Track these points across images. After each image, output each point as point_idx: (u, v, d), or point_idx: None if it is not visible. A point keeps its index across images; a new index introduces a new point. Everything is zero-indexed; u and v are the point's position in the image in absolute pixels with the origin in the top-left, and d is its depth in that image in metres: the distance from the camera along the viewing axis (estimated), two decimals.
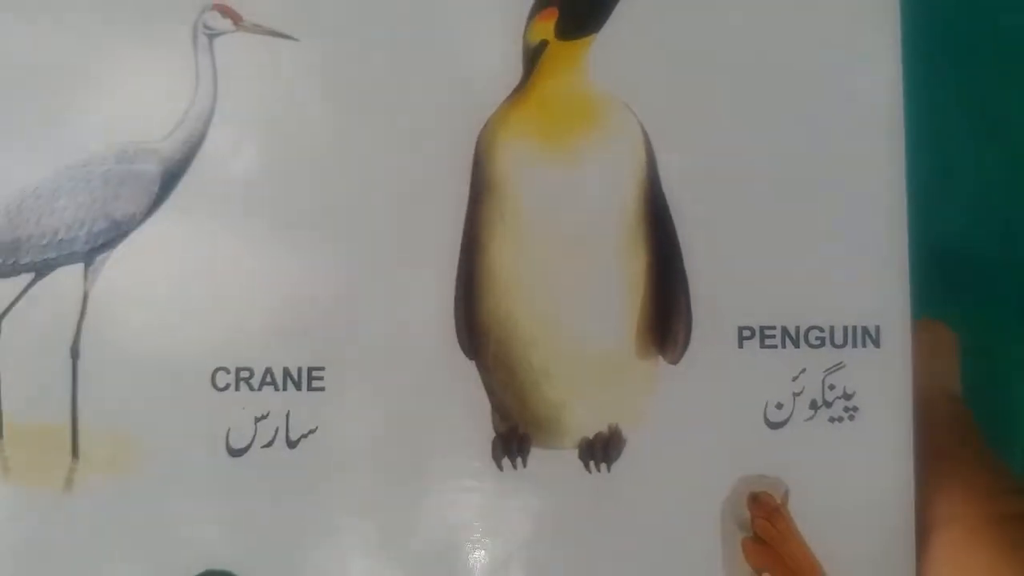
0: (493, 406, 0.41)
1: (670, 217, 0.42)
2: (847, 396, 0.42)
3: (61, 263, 0.41)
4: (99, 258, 0.41)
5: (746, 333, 0.42)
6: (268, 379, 0.41)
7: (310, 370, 0.41)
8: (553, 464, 0.41)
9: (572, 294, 0.41)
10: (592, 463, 0.41)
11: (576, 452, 0.41)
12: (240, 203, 0.41)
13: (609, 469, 0.41)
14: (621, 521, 0.41)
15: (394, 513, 0.41)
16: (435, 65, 0.42)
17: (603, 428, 0.41)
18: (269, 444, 0.41)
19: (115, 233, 0.41)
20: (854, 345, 0.42)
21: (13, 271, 0.41)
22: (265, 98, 0.42)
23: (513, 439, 0.41)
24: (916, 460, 0.41)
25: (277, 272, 0.41)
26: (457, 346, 0.41)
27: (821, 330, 0.42)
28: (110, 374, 0.41)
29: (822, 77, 0.42)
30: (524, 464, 0.41)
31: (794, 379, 0.42)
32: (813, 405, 0.41)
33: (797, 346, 0.42)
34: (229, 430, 0.41)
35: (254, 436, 0.41)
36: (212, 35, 0.41)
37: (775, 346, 0.42)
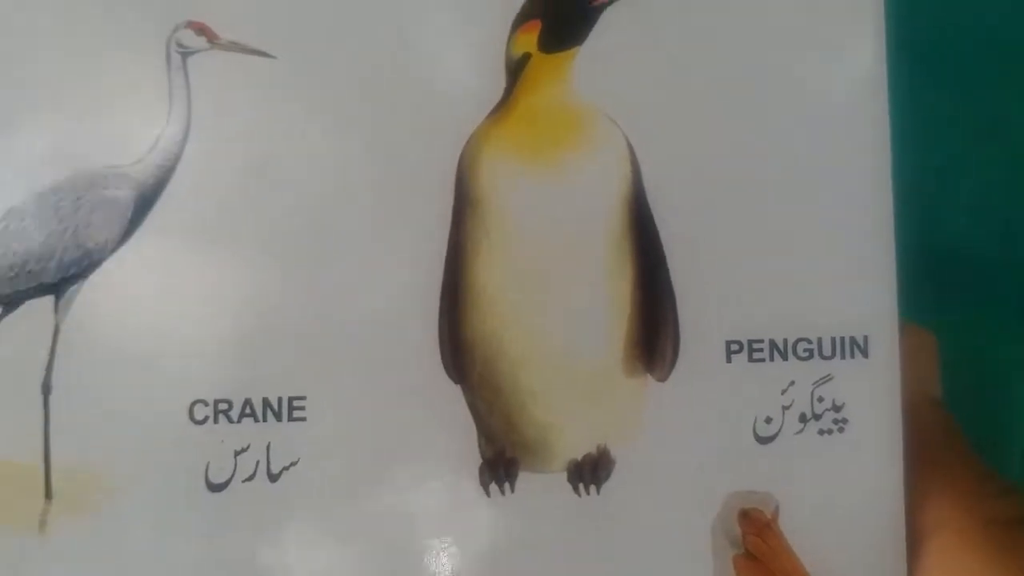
0: (479, 429, 0.40)
1: (656, 231, 0.41)
2: (836, 408, 0.41)
3: (31, 295, 0.40)
4: (70, 289, 0.40)
5: (734, 347, 0.41)
6: (247, 410, 0.39)
7: (291, 400, 0.39)
8: (542, 488, 0.40)
9: (558, 312, 0.40)
10: (581, 486, 0.40)
11: (565, 475, 0.40)
12: (216, 228, 0.40)
13: (599, 491, 0.40)
14: (612, 543, 0.40)
15: (380, 544, 0.40)
16: (416, 80, 0.40)
17: (592, 449, 0.40)
18: (250, 478, 0.39)
19: (87, 262, 0.40)
20: (842, 356, 0.41)
21: None
22: (242, 118, 0.40)
23: (500, 464, 0.40)
24: (907, 469, 0.41)
25: (255, 298, 0.40)
26: (442, 370, 0.40)
27: (809, 342, 0.41)
28: (84, 410, 0.39)
29: (806, 91, 0.41)
30: (512, 489, 0.40)
31: (783, 392, 0.41)
32: (802, 418, 0.41)
33: (785, 359, 0.41)
34: (208, 464, 0.39)
35: (234, 470, 0.39)
36: (186, 54, 0.40)
37: (763, 359, 0.41)
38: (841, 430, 0.41)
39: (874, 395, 0.41)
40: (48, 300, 0.40)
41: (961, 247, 0.55)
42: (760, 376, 0.41)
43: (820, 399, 0.41)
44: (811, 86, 0.41)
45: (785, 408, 0.41)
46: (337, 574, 0.40)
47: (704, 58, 0.41)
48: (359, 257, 0.40)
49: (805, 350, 0.41)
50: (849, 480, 0.41)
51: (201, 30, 0.40)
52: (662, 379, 0.41)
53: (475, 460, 0.40)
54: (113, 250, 0.40)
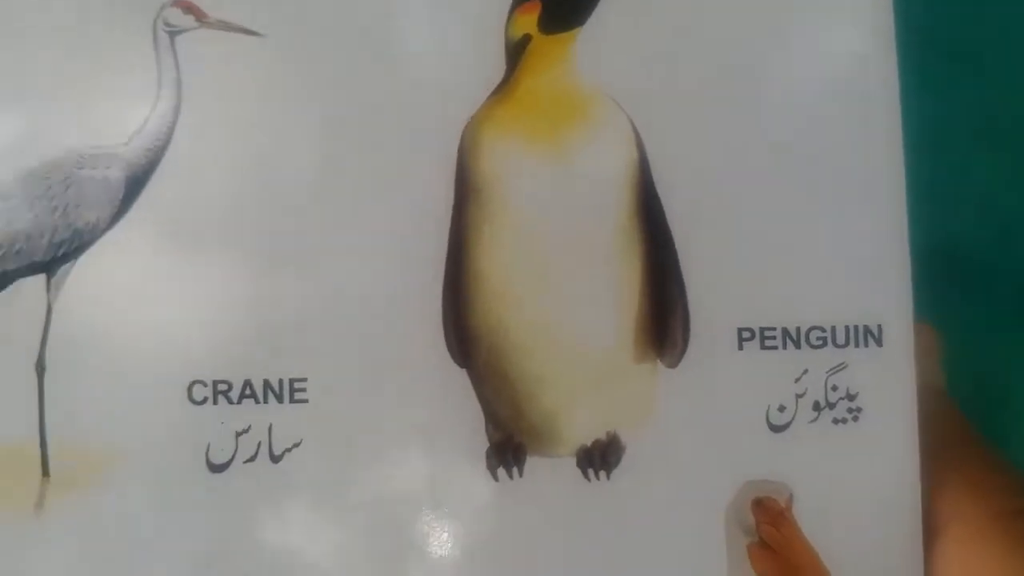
0: (486, 415, 0.39)
1: (664, 216, 0.39)
2: (850, 397, 0.40)
3: (22, 274, 0.38)
4: (62, 268, 0.38)
5: (746, 334, 0.40)
6: (248, 392, 0.38)
7: (292, 381, 0.38)
8: (550, 473, 0.39)
9: (565, 297, 0.39)
10: (591, 471, 0.39)
11: (574, 460, 0.39)
12: (211, 208, 0.39)
13: (608, 477, 0.39)
14: (622, 530, 0.39)
15: (384, 527, 0.38)
16: (413, 61, 0.39)
17: (601, 435, 0.39)
18: (251, 459, 0.38)
19: (78, 242, 0.38)
20: (856, 345, 0.40)
21: None
22: (234, 98, 0.39)
23: (508, 448, 0.39)
24: (922, 459, 0.40)
25: (254, 279, 0.38)
26: (447, 354, 0.39)
27: (822, 330, 0.40)
28: (79, 389, 0.38)
29: (818, 69, 0.41)
30: (520, 474, 0.39)
31: (796, 380, 0.40)
32: (816, 407, 0.40)
33: (798, 347, 0.40)
34: (209, 445, 0.38)
35: (235, 451, 0.38)
36: (174, 33, 0.39)
37: (776, 347, 0.40)
38: (856, 419, 0.40)
39: (889, 384, 0.40)
40: (40, 279, 0.38)
41: (961, 247, 0.55)
42: (773, 364, 0.40)
43: (834, 388, 0.40)
44: (821, 68, 0.40)
45: (798, 396, 0.40)
46: (340, 556, 0.38)
47: (711, 40, 0.40)
48: (361, 239, 0.39)
49: (818, 338, 0.40)
50: (864, 470, 0.40)
51: (188, 8, 0.39)
52: (672, 365, 0.39)
53: (482, 444, 0.39)
54: (105, 230, 0.39)
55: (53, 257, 0.38)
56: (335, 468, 0.38)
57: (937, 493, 0.40)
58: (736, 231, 0.40)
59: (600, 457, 0.39)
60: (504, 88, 0.39)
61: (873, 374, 0.40)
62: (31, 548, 0.37)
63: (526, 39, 0.39)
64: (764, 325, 0.40)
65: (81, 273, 0.38)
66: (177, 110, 0.39)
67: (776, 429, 0.39)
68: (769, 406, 0.40)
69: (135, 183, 0.39)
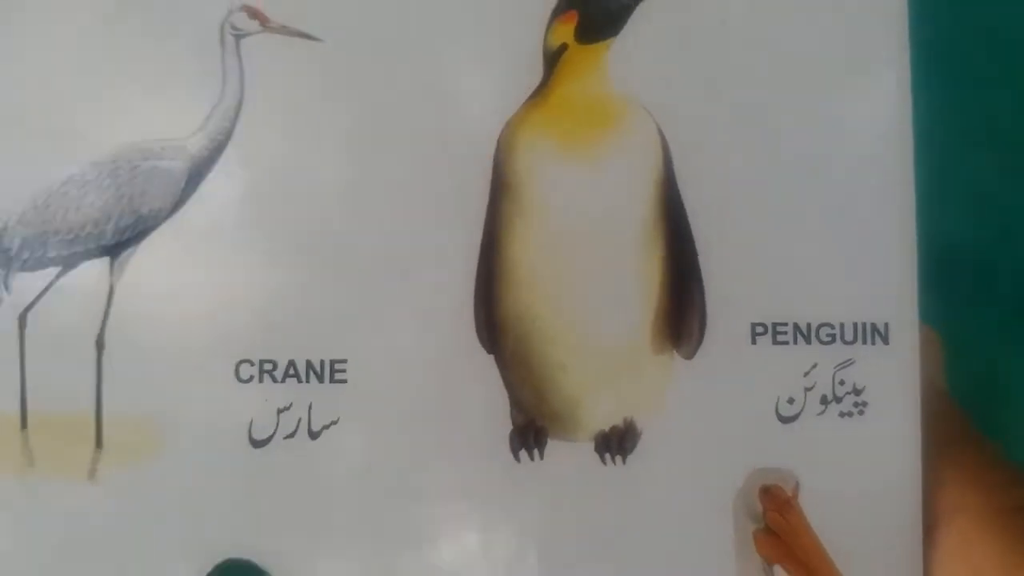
0: (511, 399, 0.40)
1: (686, 216, 0.41)
2: (857, 391, 0.41)
3: (88, 257, 0.41)
4: (125, 252, 0.40)
5: (759, 329, 0.41)
6: (291, 371, 0.40)
7: (332, 363, 0.40)
8: (569, 456, 0.41)
9: (589, 291, 0.41)
10: (608, 455, 0.40)
11: (592, 445, 0.41)
12: (264, 199, 0.41)
13: (624, 461, 0.40)
14: (635, 512, 0.40)
15: (413, 503, 0.40)
16: (457, 67, 0.41)
17: (619, 421, 0.41)
18: (291, 435, 0.40)
19: (141, 228, 0.41)
20: (864, 342, 0.41)
21: (40, 264, 0.41)
22: (291, 98, 0.41)
23: (530, 431, 0.40)
24: (924, 453, 0.41)
25: (301, 267, 0.40)
26: (477, 341, 0.40)
27: (832, 327, 0.41)
28: (134, 366, 0.40)
29: (836, 82, 0.41)
30: (541, 456, 0.40)
31: (805, 374, 0.41)
32: (824, 400, 0.41)
33: (808, 342, 0.41)
34: (252, 421, 0.40)
35: (276, 427, 0.40)
36: (239, 35, 0.41)
37: (787, 342, 0.41)
38: (861, 413, 0.41)
39: (894, 380, 0.41)
40: (104, 262, 0.41)
41: (961, 247, 0.55)
42: (783, 358, 0.41)
43: (841, 382, 0.41)
44: (840, 77, 0.42)
45: (807, 390, 0.41)
46: (369, 530, 0.40)
47: (735, 51, 0.41)
48: (401, 232, 0.41)
49: (828, 335, 0.41)
50: (868, 462, 0.41)
51: (253, 13, 0.41)
52: (689, 357, 0.41)
53: (506, 427, 0.40)
54: (167, 217, 0.41)
55: (118, 242, 0.41)
56: (369, 445, 0.40)
57: (938, 488, 0.41)
58: (753, 232, 0.41)
59: (617, 442, 0.41)
60: (540, 93, 0.41)
61: (879, 370, 0.41)
62: (83, 514, 0.40)
63: (563, 48, 0.41)
64: (777, 321, 0.41)
65: (142, 257, 0.41)
66: (239, 108, 0.41)
67: (785, 420, 0.41)
68: (779, 398, 0.41)
69: (196, 175, 0.41)
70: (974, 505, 0.40)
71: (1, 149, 0.41)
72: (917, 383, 0.41)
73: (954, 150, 0.55)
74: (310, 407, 0.40)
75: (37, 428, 0.40)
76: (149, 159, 0.41)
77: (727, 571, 0.41)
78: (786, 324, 0.41)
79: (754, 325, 0.41)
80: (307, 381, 0.40)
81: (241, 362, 0.40)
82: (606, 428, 0.41)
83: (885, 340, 0.41)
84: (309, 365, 0.40)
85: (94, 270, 0.41)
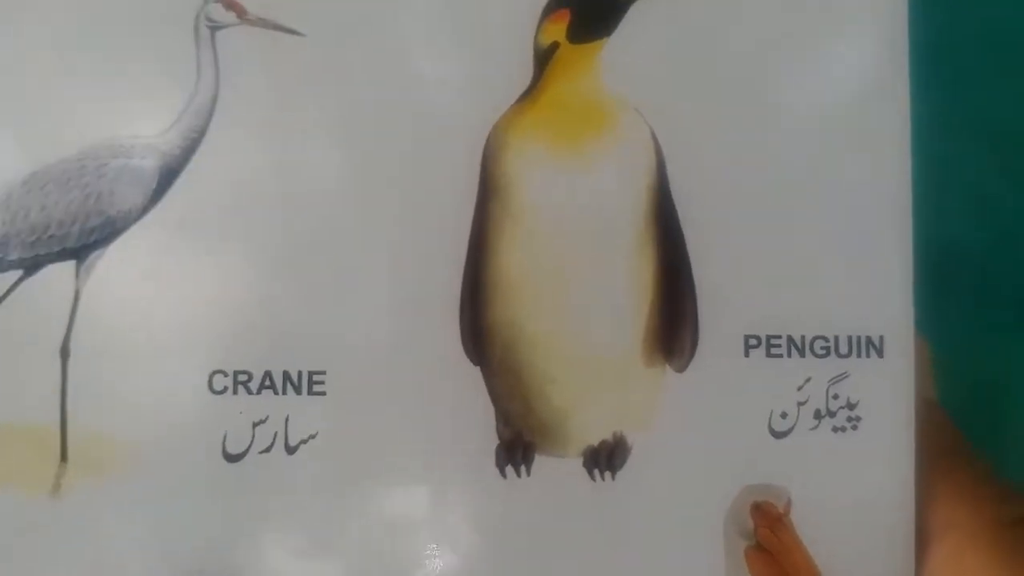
0: (498, 413, 0.39)
1: (678, 223, 0.39)
2: (851, 406, 0.40)
3: (52, 260, 0.38)
4: (92, 255, 0.38)
5: (752, 342, 0.40)
6: (267, 383, 0.38)
7: (311, 374, 0.38)
8: (557, 472, 0.39)
9: (579, 300, 0.39)
10: (597, 471, 0.39)
11: (581, 460, 0.39)
12: (241, 201, 0.39)
13: (614, 477, 0.39)
14: (625, 529, 0.39)
15: (395, 521, 0.38)
16: (444, 65, 0.39)
17: (608, 436, 0.39)
18: (267, 450, 0.38)
19: (109, 230, 0.38)
20: (858, 355, 0.40)
21: (0, 267, 0.38)
22: (268, 94, 0.39)
23: (517, 446, 0.39)
24: (918, 468, 0.40)
25: (277, 273, 0.38)
26: (462, 351, 0.39)
27: (826, 340, 0.40)
28: (102, 375, 0.38)
29: (831, 87, 0.40)
30: (528, 472, 0.39)
31: (799, 388, 0.40)
32: (817, 415, 0.40)
33: (802, 355, 0.40)
34: (226, 435, 0.38)
35: (252, 441, 0.38)
36: (215, 28, 0.39)
37: (781, 355, 0.40)
38: (855, 428, 0.40)
39: (888, 395, 0.40)
40: (69, 265, 0.38)
41: (960, 251, 0.54)
42: (777, 371, 0.40)
43: (835, 396, 0.40)
44: (835, 84, 0.40)
45: (801, 404, 0.40)
46: (350, 549, 0.38)
47: (730, 53, 0.40)
48: (384, 237, 0.39)
49: (822, 348, 0.40)
50: (861, 477, 0.40)
51: (229, 5, 0.39)
52: (680, 370, 0.39)
53: (492, 441, 0.39)
54: (137, 219, 0.39)
55: (84, 244, 0.38)
56: (348, 461, 0.38)
57: (931, 501, 0.40)
58: (747, 242, 0.40)
59: (606, 458, 0.39)
60: (531, 94, 0.39)
61: (873, 384, 0.40)
62: (45, 530, 0.38)
63: (554, 47, 0.39)
64: (771, 333, 0.40)
65: (110, 261, 0.38)
66: (214, 104, 0.39)
67: (778, 435, 0.40)
68: (772, 412, 0.40)
69: (168, 174, 0.39)
70: (966, 520, 0.40)
71: None
72: (912, 397, 0.40)
73: (954, 154, 0.54)
74: (287, 420, 0.38)
75: None
76: (118, 157, 0.38)
77: None
78: (780, 337, 0.40)
79: (748, 337, 0.40)
80: (284, 393, 0.38)
81: (215, 372, 0.38)
82: (595, 443, 0.39)
83: (880, 353, 0.40)
84: (286, 376, 0.38)
85: (59, 274, 0.38)
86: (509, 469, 0.39)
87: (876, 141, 0.40)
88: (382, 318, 0.39)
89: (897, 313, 0.40)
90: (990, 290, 0.56)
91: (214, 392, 0.38)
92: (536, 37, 0.39)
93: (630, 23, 0.40)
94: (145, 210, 0.38)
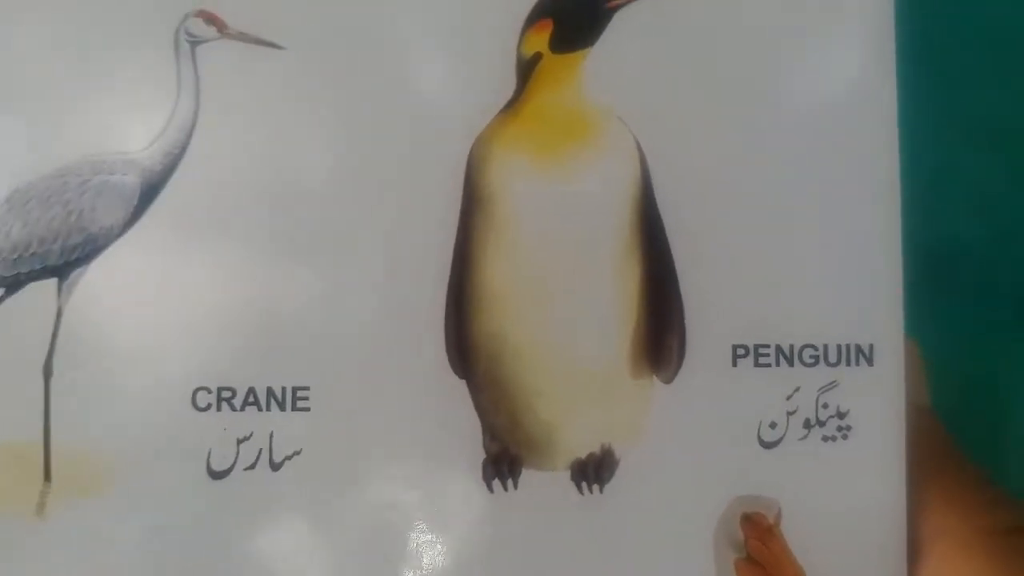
0: (484, 426, 0.38)
1: (664, 233, 0.39)
2: (840, 415, 0.39)
3: (33, 278, 0.38)
4: (74, 273, 0.38)
5: (740, 351, 0.39)
6: (251, 399, 0.38)
7: (294, 390, 0.38)
8: (545, 486, 0.39)
9: (565, 311, 0.39)
10: (584, 484, 0.38)
11: (568, 473, 0.38)
12: (223, 217, 0.38)
13: (602, 490, 0.38)
14: (614, 542, 0.39)
15: (381, 537, 0.38)
16: (426, 76, 0.39)
17: (596, 448, 0.38)
18: (252, 466, 0.37)
19: (91, 247, 0.38)
20: (847, 363, 0.39)
21: None
22: (250, 109, 0.38)
23: (504, 460, 0.38)
24: (909, 478, 0.39)
25: (260, 288, 0.38)
26: (447, 365, 0.38)
27: (815, 348, 0.39)
28: (85, 393, 0.38)
29: (816, 95, 0.40)
30: (515, 486, 0.38)
31: (788, 398, 0.39)
32: (807, 424, 0.39)
33: (791, 365, 0.39)
34: (210, 452, 0.37)
35: (236, 458, 0.37)
36: (195, 43, 0.38)
37: (769, 364, 0.39)
38: (845, 437, 0.39)
39: (878, 403, 0.39)
40: (51, 283, 0.38)
41: (958, 248, 0.54)
42: (766, 381, 0.39)
43: (825, 406, 0.39)
44: (821, 90, 0.40)
45: (790, 414, 0.39)
46: (337, 565, 0.38)
47: (713, 61, 0.39)
48: (367, 251, 0.38)
49: (811, 357, 0.39)
50: (851, 487, 0.39)
51: (210, 19, 0.38)
52: (667, 381, 0.39)
53: (479, 456, 0.38)
54: (118, 235, 0.38)
55: (66, 261, 0.38)
56: (333, 477, 0.38)
57: (922, 509, 0.39)
58: (734, 250, 0.39)
59: (594, 471, 0.38)
60: (514, 105, 0.39)
61: (863, 393, 0.39)
62: (30, 551, 0.37)
63: (537, 57, 0.39)
64: (759, 342, 0.39)
65: (91, 279, 0.38)
66: (195, 119, 0.38)
67: (767, 445, 0.39)
68: (761, 422, 0.39)
69: (150, 190, 0.38)
70: (958, 528, 0.39)
71: None
72: (902, 406, 0.39)
73: (949, 153, 0.54)
74: (271, 437, 0.38)
75: None
76: (100, 173, 0.38)
77: None
78: (768, 346, 0.39)
79: (735, 347, 0.39)
80: (268, 409, 0.38)
81: (198, 389, 0.38)
82: (583, 455, 0.39)
83: (870, 362, 0.39)
84: (270, 392, 0.38)
85: (41, 292, 0.38)
86: (496, 483, 0.38)
87: (864, 147, 0.40)
88: (366, 332, 0.38)
89: (887, 321, 0.39)
90: (987, 290, 0.55)
91: (198, 409, 0.38)
92: (519, 47, 0.39)
93: (613, 32, 0.39)
94: (127, 226, 0.38)
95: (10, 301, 0.38)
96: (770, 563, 0.39)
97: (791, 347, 0.39)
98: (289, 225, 0.38)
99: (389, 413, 0.38)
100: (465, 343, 0.38)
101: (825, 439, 0.39)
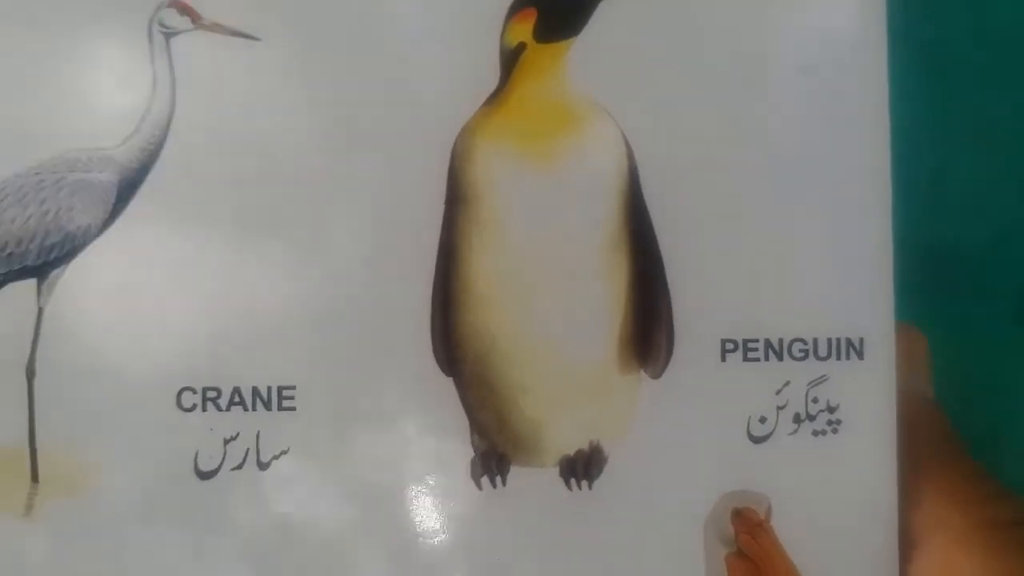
0: (471, 424, 0.38)
1: (652, 227, 0.39)
2: (831, 409, 0.39)
3: (12, 279, 0.38)
4: (53, 272, 0.37)
5: (729, 346, 0.39)
6: (236, 399, 0.37)
7: (280, 389, 0.37)
8: (533, 482, 0.38)
9: (551, 307, 0.38)
10: (573, 480, 0.38)
11: (557, 470, 0.38)
12: (203, 213, 0.38)
13: (591, 486, 0.38)
14: (603, 539, 0.38)
15: (370, 536, 0.38)
16: (408, 67, 0.38)
17: (584, 445, 0.38)
18: (239, 466, 0.37)
19: (69, 246, 0.37)
20: (838, 357, 0.39)
21: None
22: (228, 102, 0.38)
23: (492, 457, 0.38)
24: (900, 472, 0.39)
25: (243, 286, 0.38)
26: (434, 362, 0.38)
27: (804, 342, 0.39)
28: (69, 394, 0.37)
29: (806, 86, 0.39)
30: (504, 483, 0.38)
31: (777, 392, 0.39)
32: (797, 419, 0.39)
33: (780, 359, 0.39)
34: (197, 452, 0.37)
35: (223, 458, 0.37)
36: (169, 34, 0.37)
37: (758, 359, 0.39)
38: (835, 431, 0.39)
39: (869, 397, 0.39)
40: (31, 283, 0.37)
41: (956, 246, 0.54)
42: (755, 375, 0.39)
43: (815, 400, 0.39)
44: (811, 81, 0.39)
45: (780, 408, 0.39)
46: (326, 563, 0.38)
47: (702, 51, 0.39)
48: (351, 247, 0.38)
49: (801, 350, 0.39)
50: (842, 481, 0.39)
51: (183, 9, 0.38)
52: (656, 376, 0.39)
53: (467, 453, 0.38)
54: (97, 234, 0.38)
55: (44, 261, 0.37)
56: (321, 475, 0.38)
57: (917, 502, 0.39)
58: (722, 245, 0.39)
59: (583, 467, 0.38)
60: (498, 96, 0.39)
61: (854, 387, 0.39)
62: (20, 553, 0.37)
63: (521, 47, 0.38)
64: (747, 337, 0.39)
65: (72, 278, 0.38)
66: (171, 114, 0.38)
67: (757, 440, 0.39)
68: (750, 417, 0.39)
69: (128, 186, 0.38)
70: (953, 521, 0.39)
71: None
72: (893, 399, 0.39)
73: (947, 151, 0.53)
74: (258, 436, 0.38)
75: None
76: (76, 171, 0.37)
77: None
78: (757, 340, 0.39)
79: (724, 341, 0.39)
80: (254, 409, 0.37)
81: (183, 390, 0.37)
82: (571, 452, 0.38)
83: (860, 355, 0.39)
84: (255, 392, 0.37)
85: (20, 292, 0.37)
86: (485, 480, 0.38)
87: (854, 141, 0.39)
88: (352, 331, 0.38)
89: (877, 314, 0.39)
90: (987, 285, 0.55)
91: (183, 409, 0.37)
92: (502, 37, 0.38)
93: (598, 22, 0.39)
94: (105, 226, 0.38)
95: None
96: (761, 558, 0.39)
97: (780, 341, 0.39)
98: (271, 223, 0.38)
99: (376, 411, 0.38)
100: (452, 340, 0.38)
101: (815, 433, 0.39)
